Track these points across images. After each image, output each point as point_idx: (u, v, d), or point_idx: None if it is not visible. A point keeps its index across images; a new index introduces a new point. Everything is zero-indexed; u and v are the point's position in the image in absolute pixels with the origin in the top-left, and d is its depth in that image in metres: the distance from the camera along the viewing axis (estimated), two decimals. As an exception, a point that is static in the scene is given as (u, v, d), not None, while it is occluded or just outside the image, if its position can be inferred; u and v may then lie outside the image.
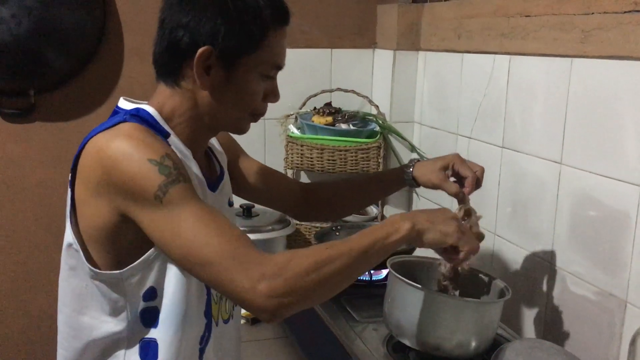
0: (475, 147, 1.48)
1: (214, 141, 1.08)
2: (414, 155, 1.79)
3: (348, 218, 1.73)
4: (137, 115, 0.90)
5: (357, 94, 1.79)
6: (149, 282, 0.88)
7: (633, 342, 0.88)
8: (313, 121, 1.74)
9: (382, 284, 1.41)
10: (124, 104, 0.94)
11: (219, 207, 0.99)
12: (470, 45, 1.50)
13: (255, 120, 0.98)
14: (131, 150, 0.82)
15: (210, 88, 0.91)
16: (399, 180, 1.18)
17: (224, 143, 1.12)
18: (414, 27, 1.75)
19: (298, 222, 1.70)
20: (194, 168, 0.93)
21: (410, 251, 1.40)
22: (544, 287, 1.24)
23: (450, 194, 1.11)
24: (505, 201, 1.38)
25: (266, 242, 1.61)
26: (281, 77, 1.87)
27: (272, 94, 0.96)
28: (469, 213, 1.08)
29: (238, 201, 1.71)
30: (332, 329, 1.19)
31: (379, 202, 1.79)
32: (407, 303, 1.05)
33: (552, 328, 1.21)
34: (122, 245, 0.87)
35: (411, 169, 1.16)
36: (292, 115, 1.79)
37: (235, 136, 1.18)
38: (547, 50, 1.22)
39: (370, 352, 1.10)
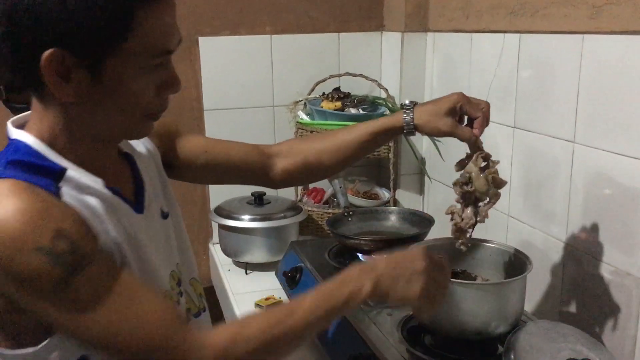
0: (486, 128, 1.46)
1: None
2: (425, 140, 1.77)
3: (360, 203, 1.73)
4: (16, 160, 0.71)
5: (366, 77, 1.78)
6: (78, 352, 0.74)
7: (650, 322, 0.87)
8: (322, 107, 1.73)
9: (396, 268, 1.41)
10: (12, 131, 0.76)
11: (150, 229, 0.84)
12: (479, 24, 1.48)
13: (156, 119, 0.80)
14: (13, 235, 0.64)
15: (77, 97, 0.71)
16: (394, 129, 1.03)
17: (153, 134, 0.92)
18: (421, 8, 1.72)
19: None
20: (109, 201, 0.76)
21: (420, 236, 1.39)
22: (560, 268, 1.23)
23: (464, 140, 0.99)
24: (519, 182, 1.36)
25: (278, 229, 1.61)
26: (289, 63, 1.86)
27: (169, 85, 0.77)
28: (486, 158, 0.99)
29: (243, 189, 1.71)
30: (349, 317, 1.19)
31: (391, 186, 1.78)
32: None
33: (569, 308, 1.20)
34: (26, 326, 0.72)
35: (411, 116, 1.00)
36: (301, 101, 1.78)
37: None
38: (557, 27, 1.19)
39: (384, 337, 1.10)
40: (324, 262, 1.45)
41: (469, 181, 0.99)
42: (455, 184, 1.01)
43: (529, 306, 1.27)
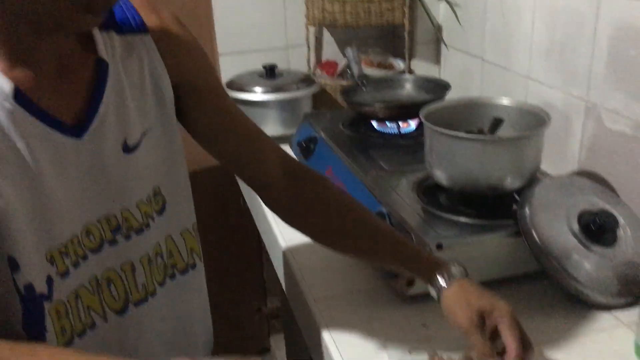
0: None
1: (139, 42, 0.75)
2: (442, 6, 1.68)
3: (374, 74, 1.68)
4: None
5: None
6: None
7: (671, 168, 0.86)
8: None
9: (411, 136, 1.40)
10: None
11: (87, 158, 0.71)
12: None
13: (95, 14, 0.64)
14: None
15: None
16: (422, 278, 0.85)
17: (176, 55, 0.79)
18: None
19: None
20: (13, 115, 0.63)
21: (436, 101, 1.36)
22: (579, 127, 1.20)
23: (474, 348, 0.76)
24: (540, 42, 1.30)
25: (292, 101, 1.58)
26: None
27: None
28: None
29: (255, 62, 1.67)
30: (362, 178, 1.19)
31: (406, 55, 1.72)
32: (446, 151, 1.03)
33: (587, 167, 1.19)
34: None
35: (442, 288, 0.82)
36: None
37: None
38: None
39: (401, 198, 1.11)
40: (338, 132, 1.44)
41: None
42: None
43: (546, 167, 1.26)
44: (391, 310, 0.97)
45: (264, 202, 0.95)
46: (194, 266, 0.88)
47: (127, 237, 0.78)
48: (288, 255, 1.15)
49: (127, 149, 0.75)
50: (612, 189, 1.11)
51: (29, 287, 0.67)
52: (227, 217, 1.93)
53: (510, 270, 1.00)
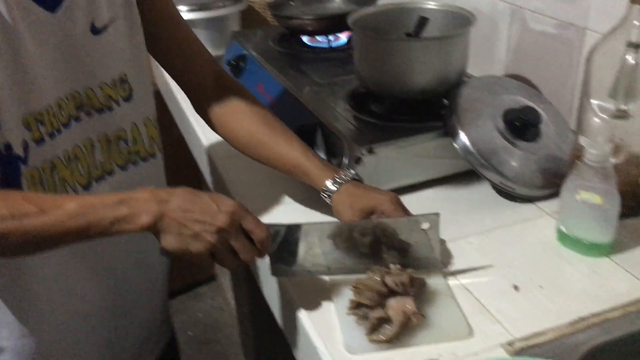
0: None
1: None
2: None
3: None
4: None
5: None
6: None
7: (589, 60, 0.88)
8: None
9: (342, 49, 1.39)
10: None
11: (57, 33, 0.74)
12: None
13: None
14: None
15: None
16: (317, 186, 0.88)
17: None
18: None
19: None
20: None
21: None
22: (505, 31, 1.21)
23: None
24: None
25: (218, 20, 1.53)
26: None
27: None
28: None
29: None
30: (294, 93, 1.18)
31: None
32: (374, 56, 1.03)
33: (513, 71, 1.21)
34: None
35: (335, 190, 0.85)
36: None
37: None
38: None
39: (333, 109, 1.10)
40: (268, 49, 1.41)
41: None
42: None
43: (474, 73, 1.28)
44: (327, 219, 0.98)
45: (193, 106, 1.01)
46: (154, 156, 0.94)
47: (88, 114, 0.81)
48: (221, 170, 1.14)
49: (95, 30, 0.80)
50: (536, 89, 1.14)
51: (8, 147, 0.70)
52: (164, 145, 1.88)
53: (440, 171, 1.02)
